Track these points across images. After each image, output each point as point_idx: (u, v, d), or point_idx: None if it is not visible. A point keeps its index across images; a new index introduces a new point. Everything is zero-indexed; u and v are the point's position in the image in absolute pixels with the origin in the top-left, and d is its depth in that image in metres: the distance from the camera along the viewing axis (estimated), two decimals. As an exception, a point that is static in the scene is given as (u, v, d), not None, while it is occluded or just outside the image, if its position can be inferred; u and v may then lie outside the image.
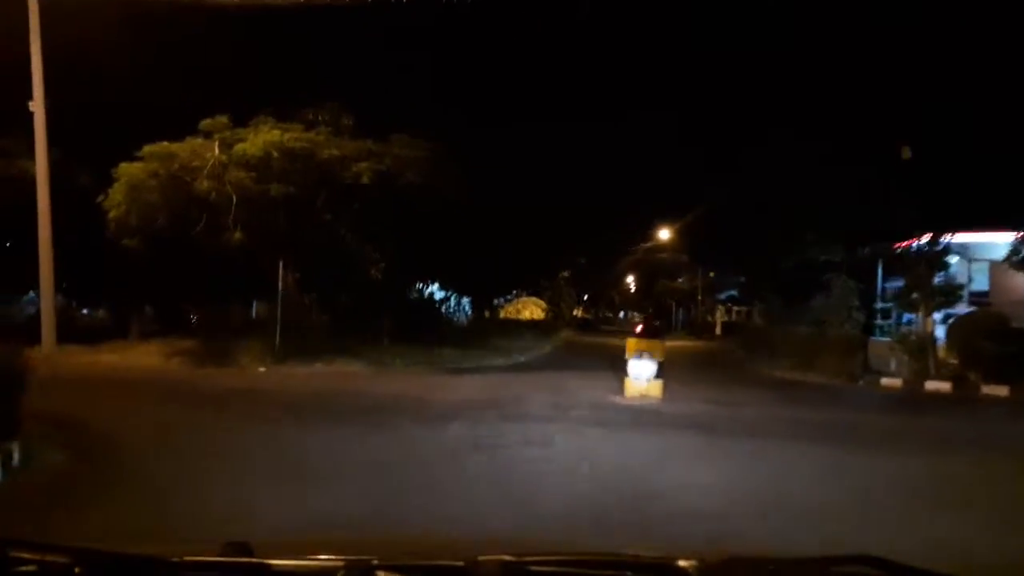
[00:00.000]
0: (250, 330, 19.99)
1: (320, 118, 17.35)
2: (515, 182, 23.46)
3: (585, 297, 64.33)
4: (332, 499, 5.33)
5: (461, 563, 1.24)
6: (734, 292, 50.68)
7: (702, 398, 12.86)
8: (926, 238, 18.37)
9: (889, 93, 17.58)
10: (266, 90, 17.66)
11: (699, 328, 48.50)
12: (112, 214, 16.13)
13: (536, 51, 23.44)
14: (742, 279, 44.17)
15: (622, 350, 12.88)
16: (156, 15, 16.69)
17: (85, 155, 18.34)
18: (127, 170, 16.03)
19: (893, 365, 18.50)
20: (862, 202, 20.07)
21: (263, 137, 15.73)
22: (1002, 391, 15.50)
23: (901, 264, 20.50)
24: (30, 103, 17.27)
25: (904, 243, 20.31)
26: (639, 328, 14.11)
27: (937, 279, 18.90)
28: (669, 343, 14.09)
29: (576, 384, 14.31)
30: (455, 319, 34.04)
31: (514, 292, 43.19)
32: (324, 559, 1.27)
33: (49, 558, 1.20)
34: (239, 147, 15.79)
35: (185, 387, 12.49)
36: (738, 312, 49.75)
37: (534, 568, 1.25)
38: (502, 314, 40.90)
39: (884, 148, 18.05)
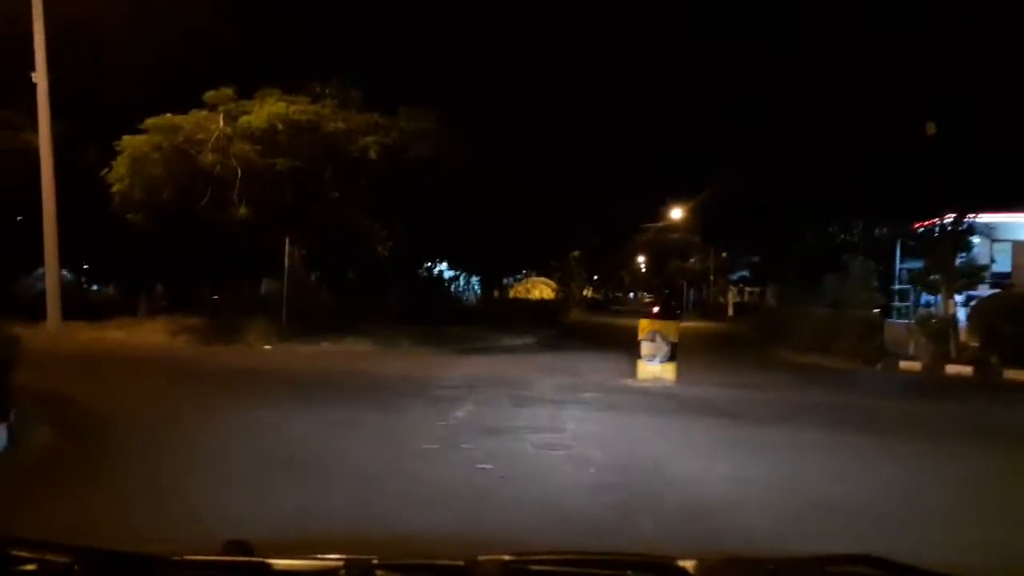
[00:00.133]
0: (257, 307, 19.77)
1: (327, 91, 16.91)
2: (525, 159, 22.95)
3: (595, 277, 63.81)
4: (324, 490, 5.04)
5: (461, 562, 1.24)
6: (746, 273, 50.13)
7: (717, 381, 12.50)
8: (950, 217, 17.81)
9: (914, 69, 16.98)
10: (273, 63, 17.25)
11: (711, 309, 48.06)
12: (115, 188, 15.84)
13: (549, 30, 22.88)
14: (755, 259, 43.63)
15: (634, 331, 12.54)
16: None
17: (91, 129, 17.99)
18: (130, 143, 15.69)
19: (912, 348, 18.06)
20: (883, 180, 19.55)
21: (268, 109, 15.34)
22: (1024, 375, 15.09)
23: (921, 244, 19.97)
24: (33, 74, 16.96)
25: (925, 223, 19.77)
26: (655, 309, 13.75)
27: (958, 260, 18.39)
28: (681, 325, 13.69)
29: (587, 366, 13.98)
30: (464, 298, 33.76)
31: (524, 272, 42.77)
32: (324, 558, 1.27)
33: (49, 557, 1.21)
34: (244, 119, 15.42)
35: (188, 365, 12.27)
36: (750, 293, 49.23)
37: (534, 568, 1.26)
38: (511, 294, 40.52)
39: (908, 125, 17.46)
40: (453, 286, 32.44)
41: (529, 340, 20.83)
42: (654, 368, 11.99)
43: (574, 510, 4.76)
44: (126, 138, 15.75)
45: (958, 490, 5.78)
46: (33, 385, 8.43)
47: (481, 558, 1.24)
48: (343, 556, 1.24)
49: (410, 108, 17.21)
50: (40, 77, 17.03)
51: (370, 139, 15.99)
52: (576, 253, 44.34)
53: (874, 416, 9.82)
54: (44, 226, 17.32)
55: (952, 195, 17.65)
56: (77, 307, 19.50)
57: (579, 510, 4.76)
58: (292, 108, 15.50)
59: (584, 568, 1.31)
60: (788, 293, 28.57)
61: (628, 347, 13.36)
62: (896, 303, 25.01)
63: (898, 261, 25.55)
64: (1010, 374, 15.35)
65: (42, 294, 18.14)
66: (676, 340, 12.09)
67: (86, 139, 18.37)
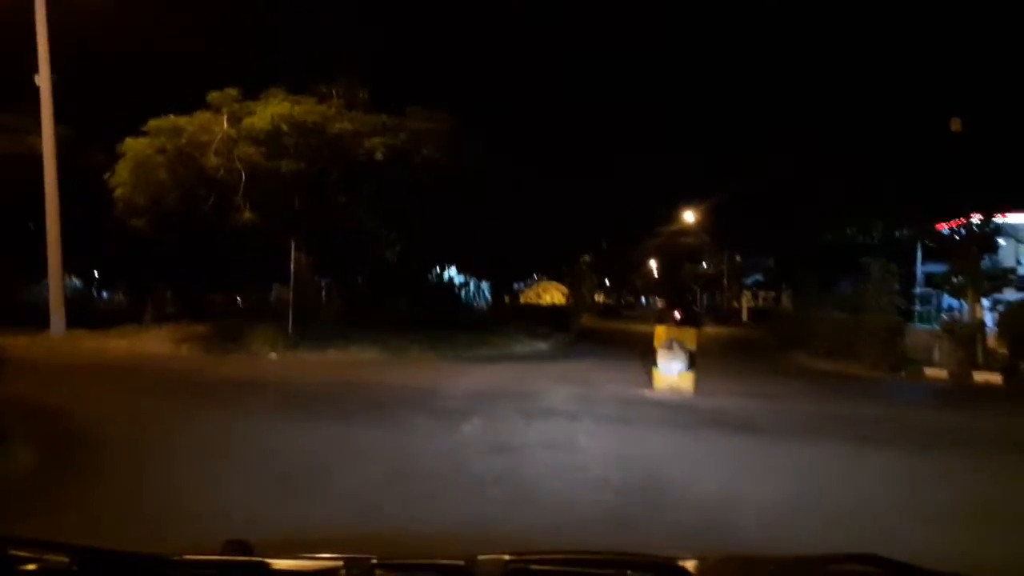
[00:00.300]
0: (265, 313, 19.42)
1: (334, 92, 16.51)
2: (536, 159, 22.50)
3: (606, 282, 63.22)
4: (317, 516, 4.59)
5: (461, 562, 1.24)
6: (760, 277, 49.45)
7: (737, 391, 11.97)
8: (975, 218, 17.19)
9: (938, 64, 16.40)
10: (280, 64, 16.89)
11: (725, 314, 47.38)
12: (118, 192, 15.49)
13: (562, 32, 22.45)
14: (770, 262, 42.98)
15: (647, 337, 12.05)
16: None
17: (98, 132, 17.72)
18: (133, 146, 15.32)
19: (936, 354, 17.45)
20: (903, 180, 18.97)
21: (271, 109, 14.93)
22: (1057, 384, 14.47)
23: (944, 246, 19.34)
24: (36, 77, 16.69)
25: (947, 223, 19.16)
26: (677, 314, 13.27)
27: (984, 263, 17.77)
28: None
29: (600, 375, 13.47)
30: (474, 304, 33.31)
31: (534, 276, 42.31)
32: (324, 558, 1.26)
33: (49, 557, 1.22)
34: (247, 120, 15.02)
35: (187, 376, 11.84)
36: (764, 297, 48.55)
37: (534, 567, 1.26)
38: (522, 299, 40.05)
39: (933, 122, 16.88)
40: (463, 291, 32.00)
41: (540, 347, 20.36)
42: (671, 378, 11.47)
43: (595, 548, 4.27)
44: (128, 141, 15.40)
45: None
46: (22, 395, 8.07)
47: (481, 557, 1.23)
48: (343, 555, 1.24)
49: (419, 109, 16.78)
50: (43, 80, 16.78)
51: (376, 140, 15.54)
52: (587, 257, 43.82)
53: (908, 429, 9.25)
54: (47, 232, 17.04)
55: (977, 195, 17.06)
56: (85, 314, 19.25)
57: (599, 548, 4.27)
58: (297, 108, 15.09)
59: (584, 568, 1.32)
60: (805, 297, 27.94)
61: (642, 354, 12.84)
62: (918, 307, 24.37)
63: (919, 264, 24.91)
64: (1042, 382, 14.76)
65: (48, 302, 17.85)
66: (694, 348, 11.56)
67: (91, 142, 18.09)
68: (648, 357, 11.94)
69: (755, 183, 27.59)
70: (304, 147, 15.46)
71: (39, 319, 17.17)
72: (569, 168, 25.33)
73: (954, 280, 18.50)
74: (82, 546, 1.24)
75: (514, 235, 23.41)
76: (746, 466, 6.56)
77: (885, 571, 1.31)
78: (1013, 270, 19.29)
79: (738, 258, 49.07)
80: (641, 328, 26.51)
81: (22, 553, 1.22)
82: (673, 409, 9.73)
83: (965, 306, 18.30)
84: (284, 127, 14.96)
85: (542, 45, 23.02)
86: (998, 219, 17.40)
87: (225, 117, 15.39)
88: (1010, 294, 18.79)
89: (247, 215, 15.56)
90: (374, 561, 1.22)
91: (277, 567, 1.24)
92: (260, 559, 1.26)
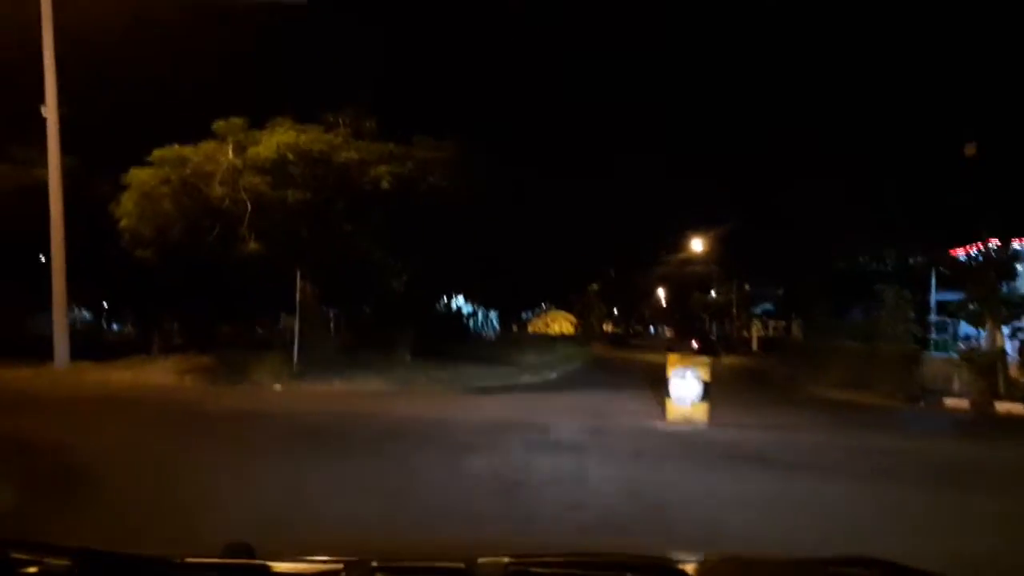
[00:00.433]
0: (272, 344, 19.21)
1: (340, 120, 16.47)
2: (545, 191, 22.41)
3: (614, 311, 62.86)
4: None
5: (461, 565, 1.24)
6: (769, 306, 48.99)
7: (752, 423, 11.60)
8: (993, 243, 16.86)
9: (952, 88, 16.23)
10: (287, 93, 16.93)
11: (735, 343, 46.82)
12: (123, 223, 15.40)
13: (568, 59, 22.50)
14: (779, 291, 42.57)
15: (658, 367, 11.72)
16: (175, 18, 16.12)
17: (104, 163, 17.71)
18: (138, 176, 15.27)
19: (956, 384, 17.00)
20: (917, 205, 18.69)
21: (277, 138, 14.87)
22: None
23: (960, 272, 18.97)
24: (42, 108, 16.74)
25: (962, 249, 18.82)
26: (695, 344, 12.98)
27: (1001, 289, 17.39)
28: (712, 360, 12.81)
29: (611, 406, 13.12)
30: (482, 333, 33.05)
31: (542, 305, 42.08)
32: (324, 560, 1.26)
33: (50, 559, 1.22)
34: (253, 149, 14.96)
35: (189, 408, 11.58)
36: (775, 327, 48.03)
37: (534, 570, 1.25)
38: (530, 328, 39.76)
39: (946, 147, 16.66)
40: (471, 321, 31.75)
41: (550, 377, 20.01)
42: (684, 408, 11.12)
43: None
44: (133, 171, 15.36)
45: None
46: (17, 430, 7.83)
47: (481, 560, 1.23)
48: (343, 558, 1.24)
49: (426, 137, 16.71)
50: (50, 111, 16.83)
51: (383, 169, 15.44)
52: (595, 286, 43.59)
53: (934, 463, 8.84)
54: (52, 262, 16.96)
55: (993, 220, 16.77)
56: (92, 346, 19.08)
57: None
58: (303, 137, 15.02)
59: (584, 570, 1.31)
60: (816, 326, 27.51)
61: (654, 385, 12.49)
62: (933, 335, 23.92)
63: (933, 291, 24.50)
64: (1068, 412, 14.30)
65: (56, 333, 17.66)
66: (709, 379, 11.22)
67: (97, 172, 18.08)
68: (660, 387, 11.61)
69: (765, 210, 27.41)
70: (310, 176, 15.38)
71: (45, 351, 17.00)
72: (578, 194, 25.27)
73: (971, 307, 18.11)
74: (83, 549, 1.24)
75: (522, 262, 23.23)
76: (769, 506, 6.19)
77: (884, 574, 1.31)
78: (1032, 297, 18.88)
79: (747, 287, 48.64)
80: (651, 357, 26.10)
81: (23, 556, 1.23)
82: (688, 442, 9.38)
83: (983, 334, 17.89)
84: (290, 156, 14.88)
85: (557, 71, 23.10)
86: (1016, 245, 17.08)
87: (230, 147, 15.33)
88: (1029, 321, 18.38)
89: (252, 245, 15.43)
90: (374, 564, 1.22)
91: (278, 570, 1.24)
92: (261, 562, 1.27)
